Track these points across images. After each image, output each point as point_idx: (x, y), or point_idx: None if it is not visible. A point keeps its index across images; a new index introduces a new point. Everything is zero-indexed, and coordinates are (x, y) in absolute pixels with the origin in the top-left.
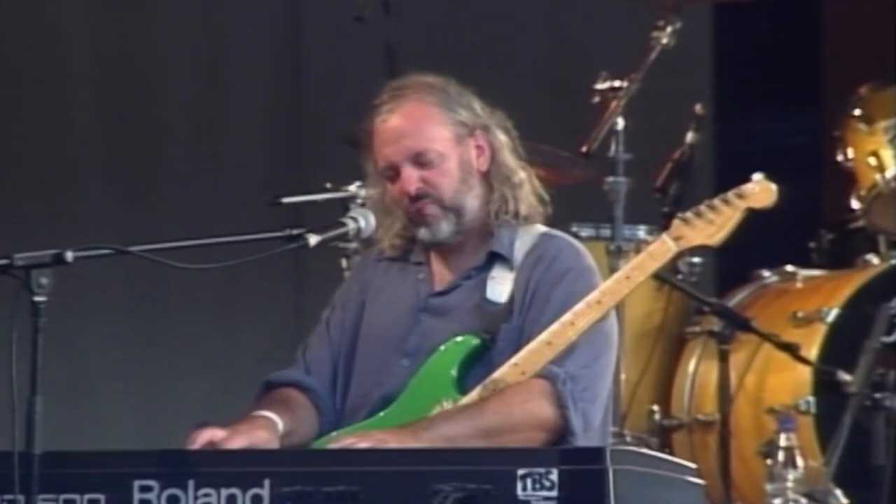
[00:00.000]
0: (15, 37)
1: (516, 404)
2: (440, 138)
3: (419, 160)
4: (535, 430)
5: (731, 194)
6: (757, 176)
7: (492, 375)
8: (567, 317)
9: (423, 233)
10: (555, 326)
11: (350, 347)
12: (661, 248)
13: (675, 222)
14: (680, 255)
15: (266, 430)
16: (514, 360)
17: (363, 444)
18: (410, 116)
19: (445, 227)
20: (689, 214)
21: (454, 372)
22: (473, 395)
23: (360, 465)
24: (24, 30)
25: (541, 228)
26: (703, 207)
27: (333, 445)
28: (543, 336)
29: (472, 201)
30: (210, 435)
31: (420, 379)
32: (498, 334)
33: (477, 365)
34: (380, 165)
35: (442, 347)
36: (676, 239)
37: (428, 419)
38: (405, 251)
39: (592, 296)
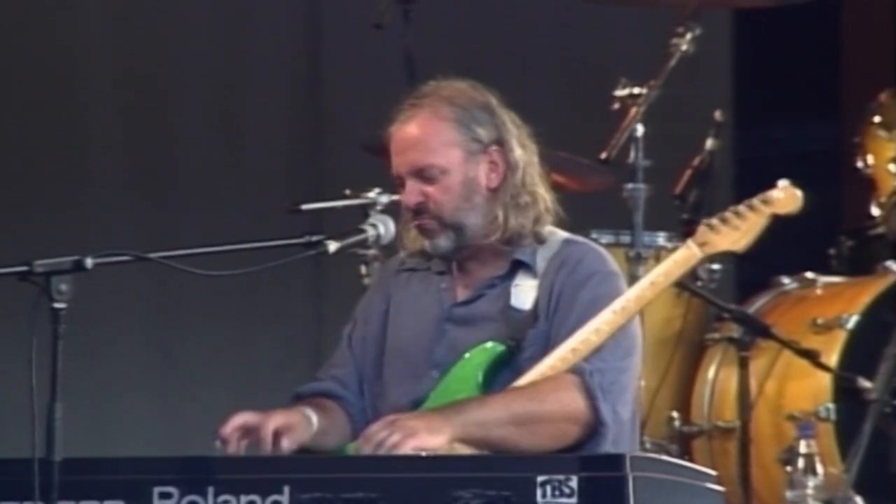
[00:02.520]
0: (34, 44)
1: (548, 392)
2: (446, 154)
3: (422, 174)
4: (566, 422)
5: (756, 200)
6: (782, 182)
7: (518, 382)
8: (592, 324)
9: (426, 245)
10: (580, 334)
11: (375, 361)
12: (687, 255)
13: (701, 228)
14: (705, 261)
15: (301, 416)
16: (539, 368)
17: (395, 438)
18: (421, 129)
19: (444, 243)
20: (714, 221)
21: (480, 377)
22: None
23: (380, 472)
24: (43, 37)
25: (563, 235)
26: (728, 214)
27: (365, 444)
28: (569, 343)
29: (475, 219)
30: (243, 419)
31: (446, 384)
32: (524, 340)
33: (503, 371)
34: (392, 172)
35: (468, 354)
36: (701, 245)
37: (460, 403)
38: (427, 258)
39: (617, 302)
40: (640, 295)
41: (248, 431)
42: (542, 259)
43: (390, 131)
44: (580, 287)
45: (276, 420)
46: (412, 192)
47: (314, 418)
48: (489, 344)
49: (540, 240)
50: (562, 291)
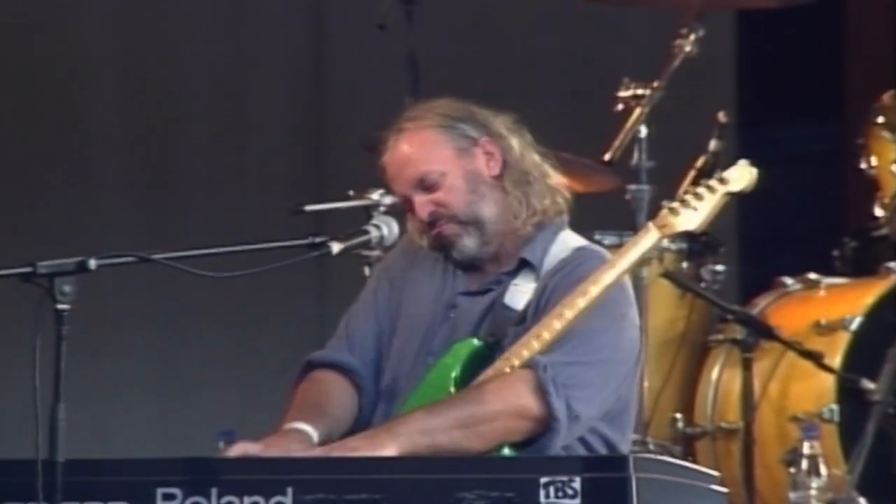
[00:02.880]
0: (36, 45)
1: (492, 392)
2: (438, 158)
3: (423, 185)
4: (512, 419)
5: (713, 180)
6: (741, 161)
7: (486, 371)
8: (556, 309)
9: (453, 254)
10: (545, 319)
11: (392, 324)
12: (647, 237)
13: (662, 211)
14: (667, 238)
15: (301, 443)
16: (505, 354)
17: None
18: (409, 144)
19: (469, 242)
20: (674, 203)
21: (455, 374)
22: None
23: (383, 473)
24: (45, 39)
25: (578, 242)
26: (687, 195)
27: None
28: (533, 331)
29: (489, 209)
30: (243, 448)
31: (427, 381)
32: (505, 339)
33: (482, 367)
34: (398, 202)
35: (449, 351)
36: (661, 227)
37: (405, 414)
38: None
39: (580, 286)
40: (599, 277)
41: None
42: (550, 262)
43: (383, 163)
44: (570, 290)
45: (272, 452)
46: (422, 206)
47: (314, 435)
48: (467, 340)
49: (554, 215)
50: (553, 292)
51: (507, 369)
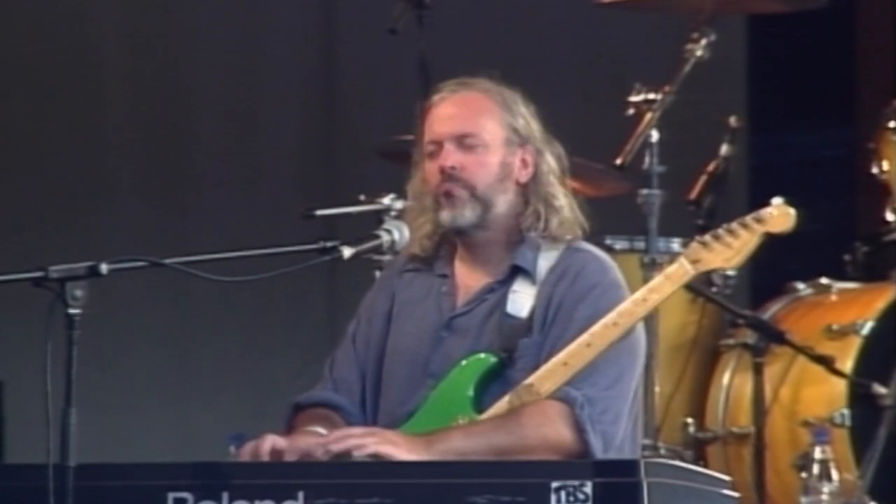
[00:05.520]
0: (50, 50)
1: (532, 427)
2: (490, 131)
3: (463, 142)
4: (549, 453)
5: (749, 218)
6: (776, 200)
7: (509, 397)
8: (584, 337)
9: (445, 215)
10: (572, 347)
11: (377, 364)
12: (679, 271)
13: (693, 245)
14: (700, 274)
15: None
16: (530, 379)
17: (368, 440)
18: (469, 103)
19: (469, 215)
20: (707, 237)
21: (471, 391)
22: (502, 403)
23: (394, 478)
24: (59, 43)
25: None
26: (721, 231)
27: (335, 441)
28: (561, 356)
29: (503, 204)
30: (272, 442)
31: (437, 397)
32: (516, 351)
33: (494, 383)
34: (425, 140)
35: (459, 366)
36: (694, 262)
37: (444, 431)
38: (431, 259)
39: (609, 317)
40: (631, 310)
41: (275, 455)
42: (543, 265)
43: (432, 102)
44: (579, 301)
45: (300, 447)
46: (449, 155)
47: None
48: (481, 355)
49: (567, 239)
50: (560, 304)
51: (529, 395)
